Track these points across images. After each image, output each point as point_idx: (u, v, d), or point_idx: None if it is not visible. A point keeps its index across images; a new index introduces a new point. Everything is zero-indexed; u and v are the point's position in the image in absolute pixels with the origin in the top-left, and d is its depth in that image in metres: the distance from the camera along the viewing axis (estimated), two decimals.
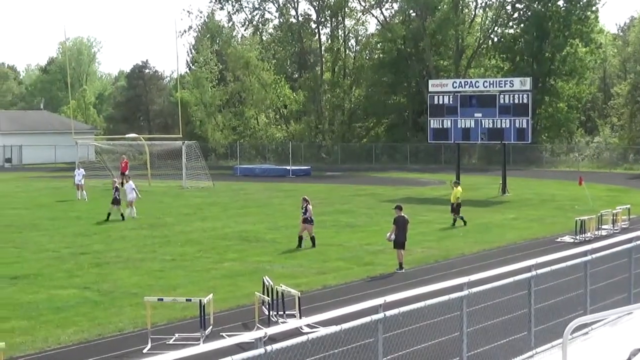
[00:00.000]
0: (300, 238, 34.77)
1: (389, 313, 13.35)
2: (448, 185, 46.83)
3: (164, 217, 45.83)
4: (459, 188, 42.45)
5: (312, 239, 34.79)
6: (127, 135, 79.33)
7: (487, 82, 58.89)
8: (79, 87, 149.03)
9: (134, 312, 23.32)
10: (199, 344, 18.79)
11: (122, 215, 44.31)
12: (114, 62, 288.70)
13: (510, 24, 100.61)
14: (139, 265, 31.11)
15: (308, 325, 17.82)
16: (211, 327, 21.13)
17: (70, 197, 56.33)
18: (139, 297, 24.23)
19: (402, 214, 30.26)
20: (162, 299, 22.25)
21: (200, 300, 20.46)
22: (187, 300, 22.20)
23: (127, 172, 64.57)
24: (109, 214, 44.17)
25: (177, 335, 20.86)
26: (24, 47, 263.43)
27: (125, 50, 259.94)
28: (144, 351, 19.56)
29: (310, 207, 34.81)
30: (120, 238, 38.17)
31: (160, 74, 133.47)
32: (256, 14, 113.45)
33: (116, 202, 44.51)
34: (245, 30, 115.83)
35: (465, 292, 15.18)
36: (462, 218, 41.50)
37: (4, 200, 56.45)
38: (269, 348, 11.03)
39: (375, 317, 13.15)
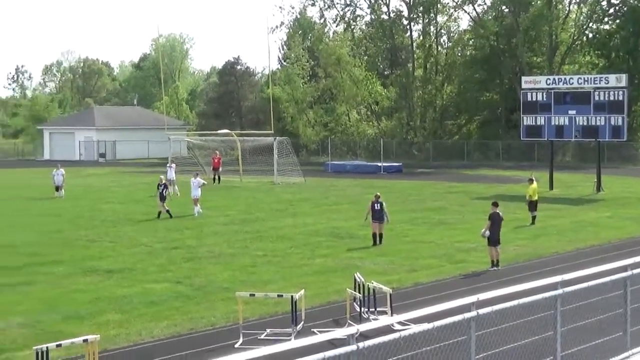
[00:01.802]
0: (376, 235, 34.69)
1: (481, 311, 13.22)
2: (541, 182, 46.18)
3: (256, 213, 46.12)
4: (534, 185, 41.65)
5: (376, 236, 34.72)
6: (219, 131, 79.80)
7: (581, 78, 58.11)
8: (172, 83, 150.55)
9: (225, 307, 23.49)
10: (290, 339, 18.85)
11: (168, 212, 44.38)
12: (206, 58, 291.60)
13: (606, 19, 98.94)
14: (231, 261, 31.35)
15: (400, 323, 17.76)
16: (302, 323, 21.20)
17: None
18: (230, 292, 24.43)
19: (497, 210, 29.95)
20: (253, 294, 22.34)
21: (292, 296, 20.53)
22: (278, 295, 22.18)
23: (220, 168, 65.48)
24: (159, 212, 44.42)
25: (268, 330, 20.97)
26: (118, 44, 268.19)
27: (217, 46, 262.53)
28: (236, 346, 19.69)
29: (376, 205, 34.66)
30: (212, 233, 38.51)
31: (251, 70, 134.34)
32: (348, 10, 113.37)
33: (162, 198, 44.75)
34: (336, 26, 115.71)
35: (559, 291, 14.98)
36: (534, 217, 40.97)
37: (99, 195, 57.37)
38: (361, 345, 11.00)
39: (467, 315, 13.04)
